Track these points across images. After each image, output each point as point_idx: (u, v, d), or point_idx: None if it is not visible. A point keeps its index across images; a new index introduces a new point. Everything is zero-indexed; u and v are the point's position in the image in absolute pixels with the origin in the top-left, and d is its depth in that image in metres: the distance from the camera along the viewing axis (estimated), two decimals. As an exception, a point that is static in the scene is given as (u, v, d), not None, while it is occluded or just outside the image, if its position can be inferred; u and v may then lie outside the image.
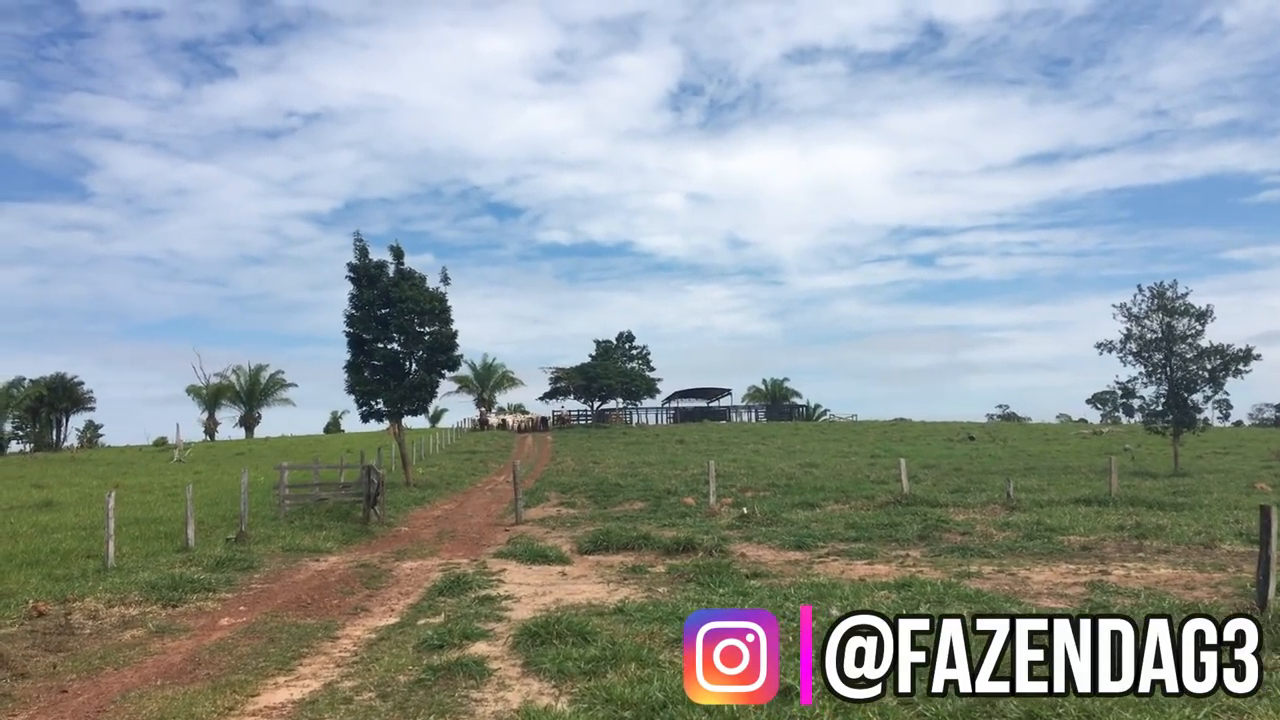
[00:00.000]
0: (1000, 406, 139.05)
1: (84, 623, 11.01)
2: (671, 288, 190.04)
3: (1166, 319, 36.31)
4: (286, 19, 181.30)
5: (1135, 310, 36.74)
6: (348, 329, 31.42)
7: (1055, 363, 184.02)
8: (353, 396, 31.68)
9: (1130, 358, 37.06)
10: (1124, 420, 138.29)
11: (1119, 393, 38.16)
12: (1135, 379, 37.34)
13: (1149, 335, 36.60)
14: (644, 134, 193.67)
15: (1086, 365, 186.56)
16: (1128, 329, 36.85)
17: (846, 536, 17.69)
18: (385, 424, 34.34)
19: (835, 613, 9.52)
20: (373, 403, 31.79)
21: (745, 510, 20.77)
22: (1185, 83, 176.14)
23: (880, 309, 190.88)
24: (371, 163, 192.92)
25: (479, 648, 9.32)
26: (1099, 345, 37.68)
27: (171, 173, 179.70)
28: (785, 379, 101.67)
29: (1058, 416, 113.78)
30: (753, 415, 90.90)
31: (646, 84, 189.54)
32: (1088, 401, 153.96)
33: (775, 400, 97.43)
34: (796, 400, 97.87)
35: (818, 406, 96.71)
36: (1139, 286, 37.23)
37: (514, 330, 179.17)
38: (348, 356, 31.72)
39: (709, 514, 22.46)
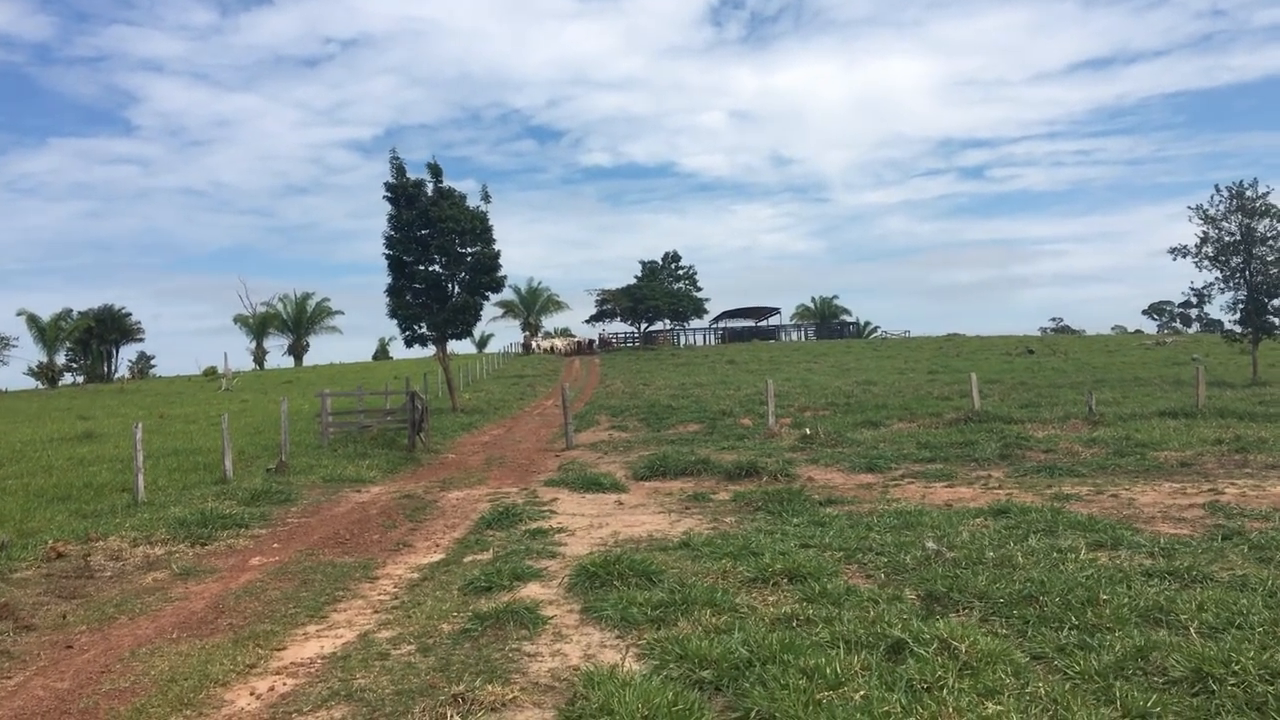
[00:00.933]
0: (1054, 319, 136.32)
1: (104, 565, 10.18)
2: (716, 208, 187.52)
3: (1246, 220, 34.21)
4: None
5: (1212, 212, 34.66)
6: (387, 251, 30.38)
7: (1109, 274, 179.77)
8: (395, 321, 30.77)
9: (1206, 262, 35.04)
10: (1183, 330, 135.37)
11: (1193, 299, 36.15)
12: (1211, 284, 35.28)
13: (1227, 238, 34.54)
14: (685, 50, 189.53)
15: (1141, 276, 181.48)
16: (1204, 232, 34.80)
17: (920, 457, 16.52)
18: (430, 349, 33.49)
19: (932, 546, 8.39)
20: (416, 327, 30.85)
21: (808, 431, 19.63)
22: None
23: (929, 224, 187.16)
24: (411, 88, 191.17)
25: (531, 590, 8.31)
26: (1173, 250, 35.71)
27: (213, 104, 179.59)
28: (835, 296, 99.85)
29: (1113, 328, 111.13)
30: (802, 334, 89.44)
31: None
32: (1144, 312, 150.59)
33: (825, 319, 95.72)
34: (846, 318, 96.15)
35: (868, 324, 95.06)
36: (1216, 186, 35.15)
37: (558, 254, 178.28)
38: (388, 280, 30.76)
39: (768, 435, 21.37)
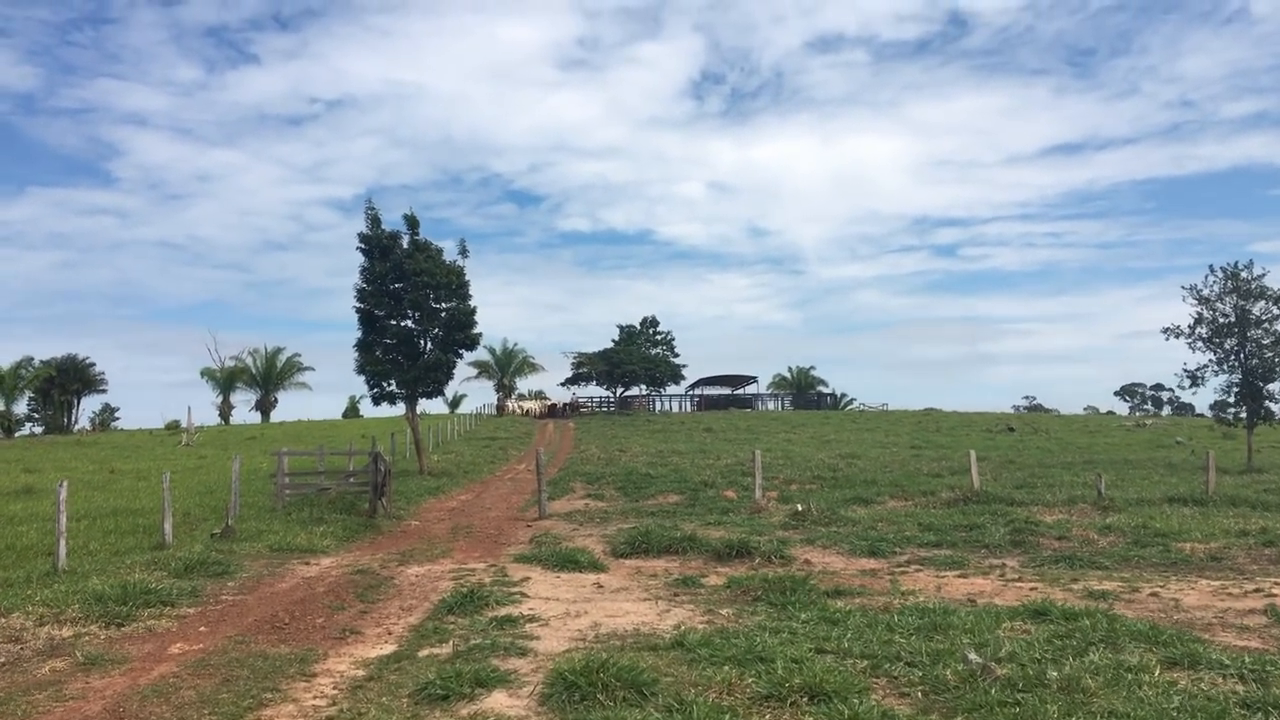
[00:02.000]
0: (1027, 397, 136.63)
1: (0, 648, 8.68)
2: (692, 276, 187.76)
3: (1240, 302, 33.47)
4: (310, 5, 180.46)
5: (1206, 292, 33.90)
6: (358, 304, 29.04)
7: (1077, 354, 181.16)
8: (363, 377, 29.32)
9: (1200, 343, 34.21)
10: (1156, 412, 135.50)
11: (1185, 381, 35.18)
12: (1205, 366, 34.41)
13: (1221, 319, 33.77)
14: (665, 122, 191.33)
15: (1109, 357, 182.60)
16: (1198, 312, 34.02)
17: (924, 540, 15.22)
18: (400, 408, 32.02)
19: (975, 659, 7.06)
20: (385, 384, 29.41)
21: (800, 507, 18.31)
22: (1212, 73, 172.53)
23: (902, 299, 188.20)
24: (393, 149, 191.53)
25: (497, 701, 6.92)
26: (1165, 330, 34.89)
27: (195, 158, 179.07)
28: (811, 367, 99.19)
29: (1085, 408, 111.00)
30: (779, 403, 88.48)
31: (668, 72, 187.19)
32: (1116, 393, 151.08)
33: (801, 389, 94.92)
34: (823, 389, 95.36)
35: (844, 395, 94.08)
36: (1210, 267, 34.37)
37: (534, 318, 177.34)
38: (358, 334, 29.39)
39: (755, 510, 20.03)
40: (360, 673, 7.97)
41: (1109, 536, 15.39)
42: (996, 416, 76.00)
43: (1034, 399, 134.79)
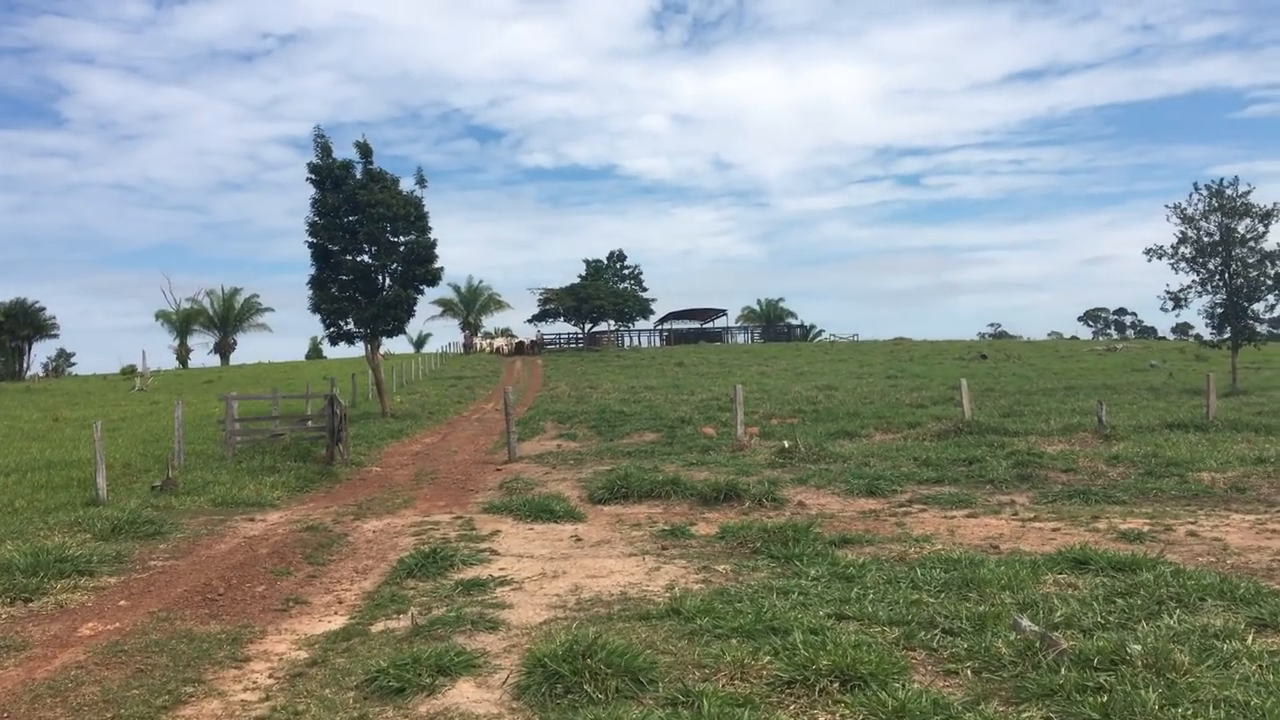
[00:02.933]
0: (993, 324, 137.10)
1: (-126, 637, 7.38)
2: (657, 211, 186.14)
3: (1225, 220, 32.57)
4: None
5: (1190, 211, 32.98)
6: (310, 239, 27.42)
7: (1041, 281, 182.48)
8: (319, 316, 27.79)
9: (1184, 264, 33.35)
10: (1117, 336, 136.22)
11: (1169, 303, 34.35)
12: (1189, 287, 33.57)
13: (1205, 239, 32.88)
14: (626, 53, 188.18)
15: (1072, 283, 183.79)
16: (1182, 232, 33.12)
17: (924, 477, 14.16)
18: (360, 347, 30.57)
19: (1029, 625, 5.95)
20: (342, 323, 27.93)
21: (786, 444, 17.21)
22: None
23: (867, 230, 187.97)
24: (349, 85, 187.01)
25: (462, 692, 5.75)
26: (1148, 251, 33.99)
27: (146, 98, 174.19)
28: (780, 299, 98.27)
29: (1050, 334, 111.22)
30: (748, 336, 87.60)
31: (628, 1, 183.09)
32: (1080, 319, 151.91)
33: (771, 321, 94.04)
34: (792, 321, 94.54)
35: (813, 327, 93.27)
36: (1195, 184, 33.46)
37: (498, 255, 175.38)
38: (311, 271, 27.81)
39: (738, 448, 18.95)
40: (302, 655, 6.78)
41: (1118, 467, 14.41)
42: (967, 344, 75.55)
43: (999, 326, 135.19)
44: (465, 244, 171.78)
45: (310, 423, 21.20)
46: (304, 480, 16.24)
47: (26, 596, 8.44)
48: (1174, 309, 34.36)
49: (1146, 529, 10.02)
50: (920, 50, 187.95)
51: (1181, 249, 33.31)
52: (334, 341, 28.43)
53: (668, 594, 7.74)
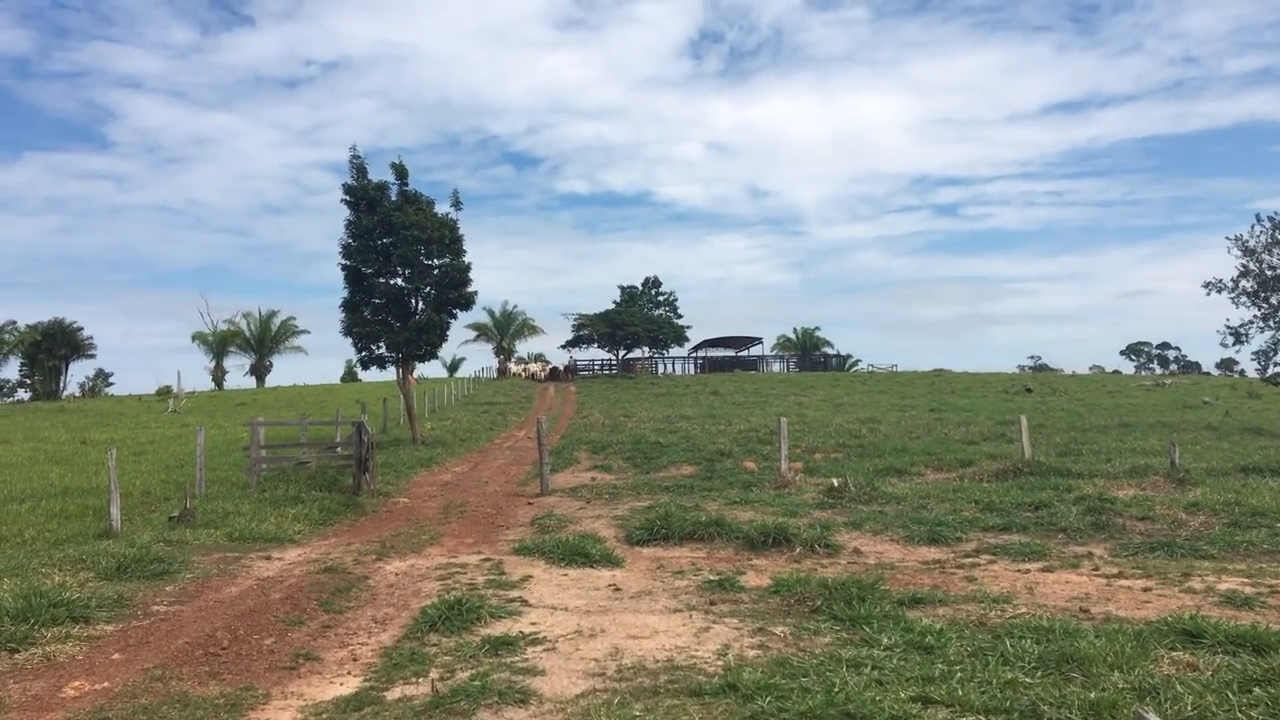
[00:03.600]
0: (1033, 357, 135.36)
1: None
2: (691, 238, 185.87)
3: (1290, 254, 31.27)
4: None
5: (1252, 244, 31.71)
6: (344, 261, 26.85)
7: (1078, 314, 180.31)
8: (350, 340, 27.17)
9: (1244, 298, 32.05)
10: (1160, 370, 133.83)
11: (1229, 338, 33.04)
12: (1250, 323, 32.25)
13: (1268, 273, 31.59)
14: (664, 82, 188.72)
15: (1110, 316, 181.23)
16: (1243, 265, 31.84)
17: (988, 524, 13.13)
18: (391, 371, 29.91)
19: (1159, 722, 5.00)
20: (373, 347, 27.27)
21: (835, 482, 16.24)
22: (1215, 29, 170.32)
23: (903, 259, 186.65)
24: (390, 112, 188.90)
25: (487, 790, 4.88)
26: (1207, 284, 32.72)
27: (191, 122, 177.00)
28: (816, 328, 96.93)
29: (1091, 367, 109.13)
30: (783, 365, 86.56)
31: (666, 31, 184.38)
32: (1122, 352, 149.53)
33: (806, 350, 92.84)
34: (828, 350, 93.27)
35: (849, 356, 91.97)
36: (1257, 216, 32.17)
37: (533, 281, 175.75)
38: (344, 294, 27.20)
39: (781, 484, 18.00)
40: (307, 728, 5.94)
41: (1199, 516, 13.32)
42: (1009, 377, 74.08)
43: (1040, 359, 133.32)
44: (500, 269, 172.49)
45: (339, 449, 20.49)
46: (328, 512, 15.49)
47: (13, 646, 7.68)
48: (1234, 344, 33.03)
49: (1250, 591, 8.99)
50: (958, 81, 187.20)
51: (1242, 282, 32.05)
52: (365, 366, 27.81)
53: (720, 662, 6.84)
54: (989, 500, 14.77)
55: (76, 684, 6.89)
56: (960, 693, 5.88)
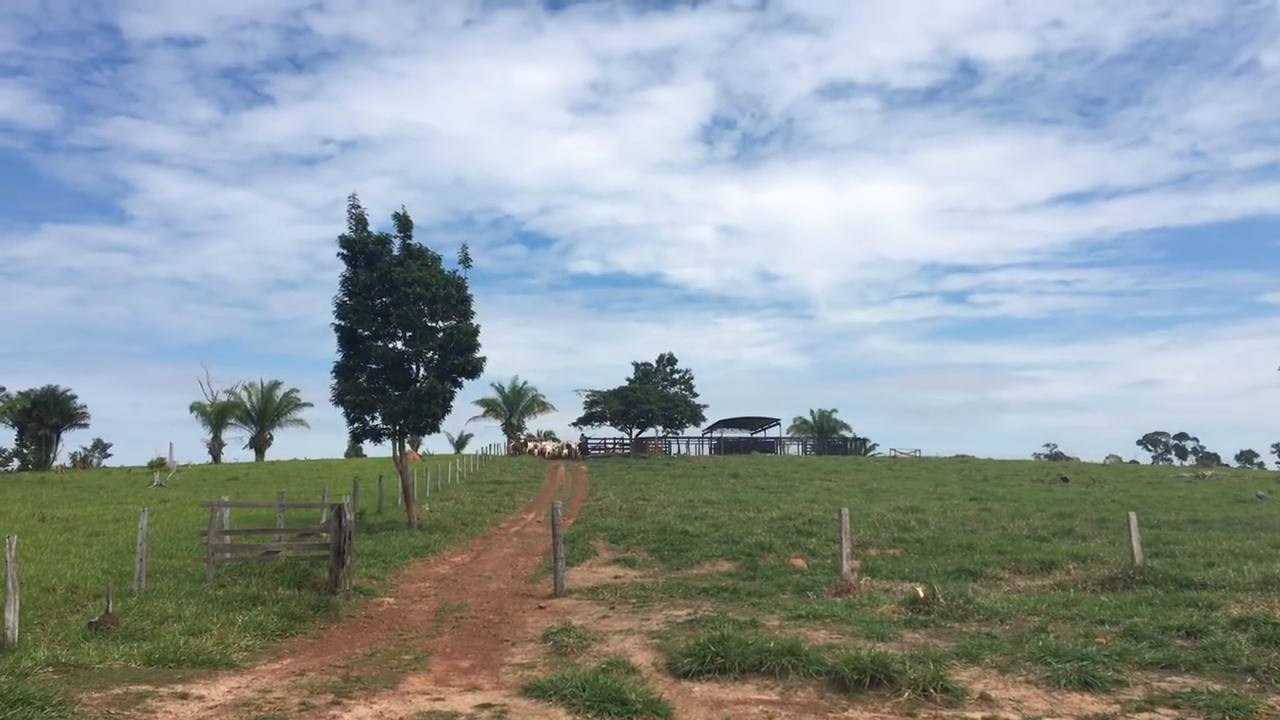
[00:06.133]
0: (1048, 445, 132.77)
1: None
2: (701, 320, 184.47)
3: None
4: (325, 48, 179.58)
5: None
6: (338, 321, 24.10)
7: (1088, 403, 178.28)
8: (342, 409, 24.27)
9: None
10: (1175, 460, 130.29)
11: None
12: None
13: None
14: (676, 166, 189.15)
15: (1120, 406, 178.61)
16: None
17: (1143, 658, 9.97)
18: (387, 446, 26.94)
19: None
20: (368, 417, 24.37)
21: (921, 592, 13.14)
22: (1222, 124, 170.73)
23: (911, 345, 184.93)
24: (406, 190, 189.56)
25: None
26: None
27: (209, 197, 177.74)
28: (834, 410, 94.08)
29: (1107, 457, 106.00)
30: (800, 447, 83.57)
31: (679, 117, 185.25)
32: (1138, 442, 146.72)
33: (824, 433, 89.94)
34: (845, 433, 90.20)
35: (866, 440, 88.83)
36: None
37: (543, 360, 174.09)
38: (337, 357, 24.42)
39: (843, 590, 14.97)
40: None
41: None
42: (1038, 465, 70.86)
43: (1056, 446, 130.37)
44: (510, 348, 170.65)
45: (317, 536, 17.46)
46: (290, 619, 12.43)
47: None
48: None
49: None
50: (967, 170, 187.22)
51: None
52: (358, 439, 24.94)
53: None
54: (1121, 621, 11.68)
55: None
56: None
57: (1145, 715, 8.11)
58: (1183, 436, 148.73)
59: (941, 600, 12.78)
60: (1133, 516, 16.64)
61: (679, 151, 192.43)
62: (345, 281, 24.12)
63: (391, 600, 14.81)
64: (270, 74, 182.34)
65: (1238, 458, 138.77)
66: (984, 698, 8.67)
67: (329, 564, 15.18)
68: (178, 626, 11.36)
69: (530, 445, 71.97)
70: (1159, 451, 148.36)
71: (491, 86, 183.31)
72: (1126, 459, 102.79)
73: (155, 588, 14.26)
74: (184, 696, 8.29)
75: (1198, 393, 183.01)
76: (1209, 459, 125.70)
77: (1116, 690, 8.83)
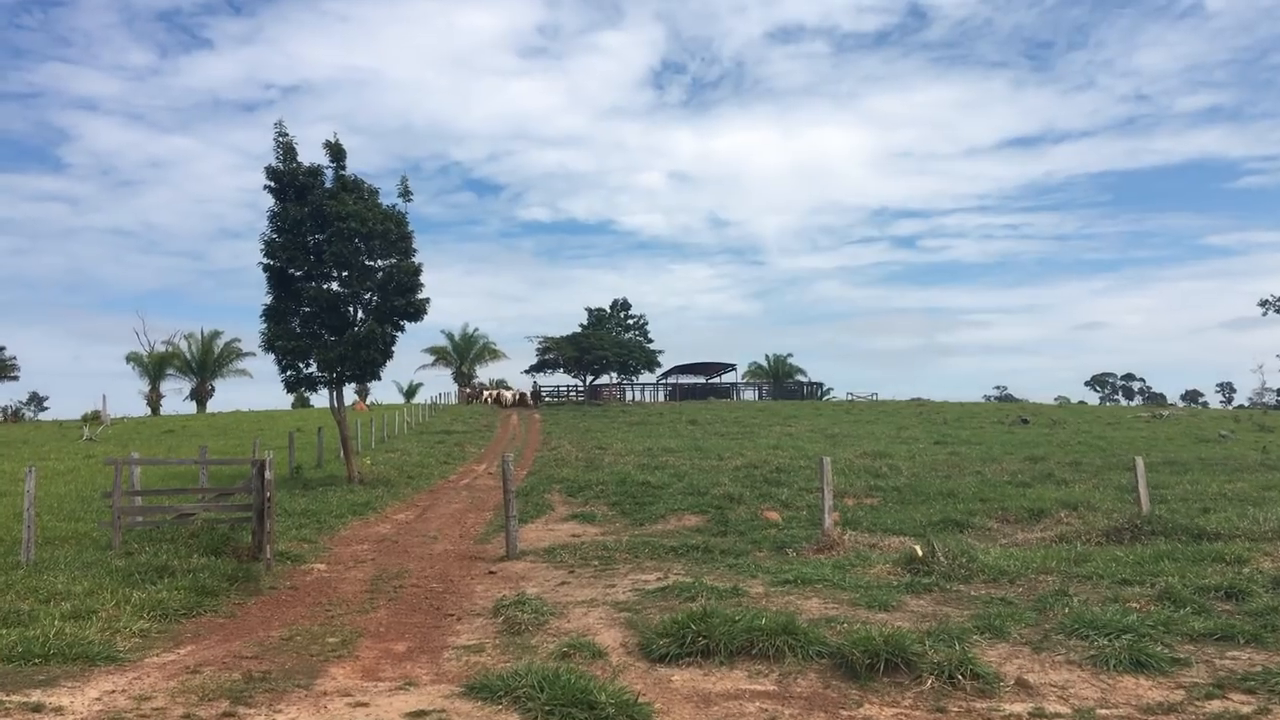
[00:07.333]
0: (998, 387, 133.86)
1: None
2: (654, 266, 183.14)
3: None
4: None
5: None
6: (266, 260, 22.08)
7: (1035, 345, 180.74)
8: (272, 355, 22.35)
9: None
10: (1123, 400, 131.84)
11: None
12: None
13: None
14: (626, 111, 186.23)
15: (1066, 348, 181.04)
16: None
17: (1190, 628, 8.57)
18: (327, 396, 25.05)
19: None
20: (300, 365, 22.47)
21: (919, 550, 11.73)
22: (1168, 67, 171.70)
23: (862, 290, 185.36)
24: (351, 136, 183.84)
25: None
26: (1263, 303, 28.93)
27: (148, 145, 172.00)
28: (789, 355, 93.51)
29: (1056, 398, 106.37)
30: (755, 393, 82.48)
31: (629, 61, 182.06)
32: (1086, 383, 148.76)
33: (779, 378, 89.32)
34: (800, 378, 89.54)
35: (821, 384, 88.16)
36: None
37: (495, 308, 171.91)
38: (266, 300, 22.43)
39: (825, 546, 13.59)
40: None
41: None
42: (995, 407, 70.61)
43: (1005, 389, 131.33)
44: (462, 296, 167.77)
45: (220, 503, 15.48)
46: (199, 593, 10.73)
47: None
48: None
49: None
50: (916, 115, 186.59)
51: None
52: (290, 387, 22.99)
53: None
54: (1148, 581, 10.35)
55: None
56: None
57: (1218, 704, 6.73)
58: (1129, 377, 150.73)
59: (942, 559, 11.38)
60: (1139, 461, 15.39)
61: (629, 96, 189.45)
62: (274, 217, 22.09)
63: (322, 567, 13.16)
64: (208, 16, 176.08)
65: (1183, 397, 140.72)
66: (1021, 684, 7.25)
67: (251, 527, 13.47)
68: (62, 606, 9.65)
69: (485, 393, 70.05)
70: (1106, 392, 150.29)
71: (437, 29, 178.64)
72: (1075, 400, 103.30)
73: (48, 558, 12.49)
74: (37, 709, 6.58)
75: (1143, 334, 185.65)
76: (1156, 399, 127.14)
77: (1176, 671, 7.44)
